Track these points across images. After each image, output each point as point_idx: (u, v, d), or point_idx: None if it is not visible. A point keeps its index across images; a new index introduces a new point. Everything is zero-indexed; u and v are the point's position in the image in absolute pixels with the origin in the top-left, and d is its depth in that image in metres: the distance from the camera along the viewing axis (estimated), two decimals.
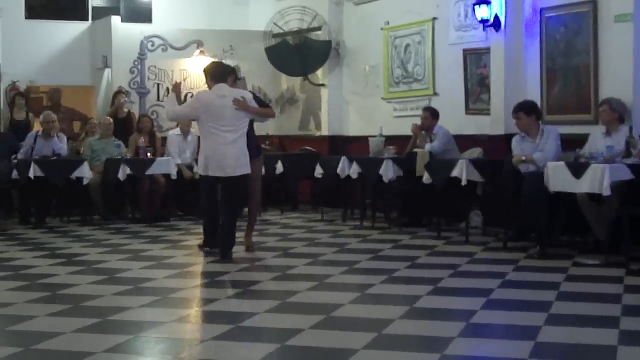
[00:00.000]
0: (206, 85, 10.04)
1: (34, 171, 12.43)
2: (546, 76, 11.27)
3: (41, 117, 13.52)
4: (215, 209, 9.77)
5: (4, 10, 15.98)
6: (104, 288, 7.79)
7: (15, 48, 15.78)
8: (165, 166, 13.10)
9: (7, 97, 15.38)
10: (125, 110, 14.68)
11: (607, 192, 8.51)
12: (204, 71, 9.94)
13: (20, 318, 6.58)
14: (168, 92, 15.36)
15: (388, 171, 11.53)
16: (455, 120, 12.39)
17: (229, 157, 9.44)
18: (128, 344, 5.83)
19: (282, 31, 15.54)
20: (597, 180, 8.58)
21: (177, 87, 10.20)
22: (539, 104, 10.70)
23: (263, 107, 10.18)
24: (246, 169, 9.60)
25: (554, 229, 9.51)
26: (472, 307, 6.75)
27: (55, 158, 12.93)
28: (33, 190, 12.90)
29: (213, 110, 9.47)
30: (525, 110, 9.98)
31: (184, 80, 15.73)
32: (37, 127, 13.84)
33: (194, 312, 6.91)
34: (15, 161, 13.00)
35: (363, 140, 13.06)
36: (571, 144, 9.84)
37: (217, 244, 9.72)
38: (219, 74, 9.76)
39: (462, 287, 7.69)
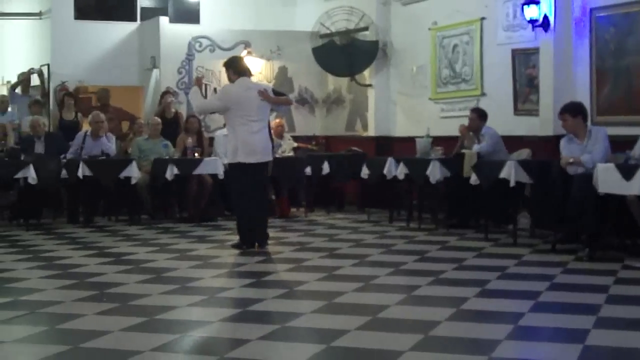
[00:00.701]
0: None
1: (82, 170, 12.54)
2: (596, 76, 11.18)
3: (90, 116, 13.64)
4: (251, 201, 10.06)
5: (53, 11, 16.18)
6: (151, 287, 7.83)
7: (65, 48, 15.97)
8: (212, 166, 13.16)
9: (56, 96, 15.54)
10: (173, 110, 14.76)
11: None
12: (227, 65, 10.40)
13: (68, 316, 6.63)
14: (216, 91, 15.45)
15: (435, 172, 11.48)
16: (504, 120, 12.32)
17: (257, 145, 10.07)
18: (174, 343, 5.85)
19: (329, 31, 15.54)
20: None
21: (198, 81, 10.79)
22: (588, 104, 10.60)
23: (280, 96, 10.78)
24: (271, 156, 10.44)
25: (603, 231, 9.40)
26: (520, 309, 6.70)
27: (103, 157, 13.04)
28: (81, 190, 13.03)
29: (241, 101, 10.02)
30: (571, 111, 9.86)
31: None
32: (86, 127, 13.97)
33: (240, 311, 6.90)
34: (64, 160, 13.13)
35: (410, 140, 13.01)
36: (621, 145, 9.72)
37: (254, 241, 10.11)
38: (242, 67, 10.32)
39: (509, 289, 7.63)
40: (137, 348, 5.61)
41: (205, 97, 15.40)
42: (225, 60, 10.67)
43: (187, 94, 15.40)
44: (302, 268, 8.95)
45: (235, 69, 10.24)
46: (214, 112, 11.67)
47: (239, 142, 10.00)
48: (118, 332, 6.08)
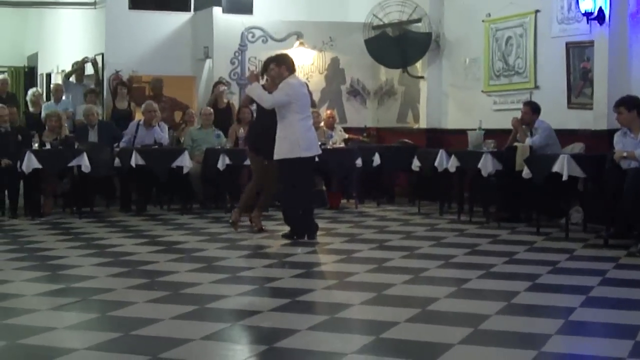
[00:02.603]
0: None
1: (135, 159, 12.63)
2: None
3: (143, 106, 13.76)
4: (305, 193, 10.42)
5: (107, 1, 16.30)
6: (201, 276, 7.89)
7: (119, 38, 16.09)
8: None
9: (110, 86, 15.67)
10: (225, 100, 14.83)
11: None
12: (279, 61, 10.47)
13: (120, 303, 6.70)
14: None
15: (487, 165, 11.43)
16: (557, 114, 12.21)
17: (313, 139, 10.44)
18: (224, 332, 5.89)
19: (381, 23, 15.50)
20: None
21: (256, 77, 10.77)
22: None
23: None
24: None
25: None
26: (571, 304, 6.66)
27: (156, 147, 13.14)
28: (134, 178, 13.14)
29: (301, 97, 10.33)
30: (627, 104, 9.80)
31: None
32: (139, 116, 14.08)
33: (290, 301, 6.93)
34: (117, 149, 13.26)
35: (461, 133, 12.97)
36: None
37: (304, 232, 10.28)
38: (293, 64, 10.54)
39: (560, 284, 7.59)
40: (187, 336, 5.66)
41: None
42: (273, 56, 10.73)
43: (240, 84, 15.50)
44: (352, 259, 8.95)
45: (289, 66, 10.38)
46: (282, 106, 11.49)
47: (299, 137, 10.14)
48: (169, 320, 6.14)
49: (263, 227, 10.94)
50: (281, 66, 10.35)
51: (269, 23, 15.99)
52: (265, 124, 10.46)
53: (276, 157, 10.21)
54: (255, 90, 10.42)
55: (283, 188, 10.43)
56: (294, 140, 10.13)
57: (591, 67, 11.83)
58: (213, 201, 13.71)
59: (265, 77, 10.71)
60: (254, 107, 14.20)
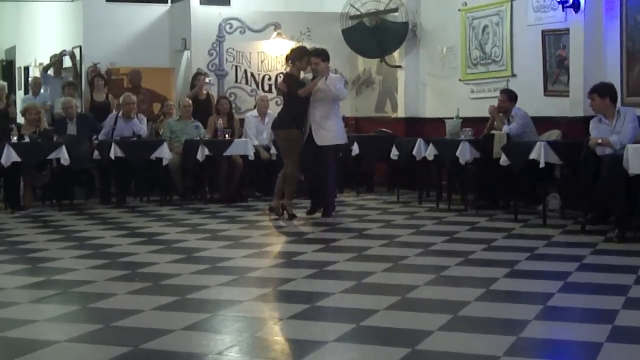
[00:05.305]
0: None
1: (114, 151, 12.62)
2: (626, 58, 11.10)
3: (121, 98, 13.74)
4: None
5: None
6: (182, 267, 7.90)
7: (96, 30, 16.05)
8: (243, 147, 13.21)
9: (88, 78, 15.64)
10: (205, 92, 14.82)
11: None
12: (326, 55, 11.41)
13: (100, 295, 6.71)
14: (246, 74, 15.63)
15: (464, 153, 11.47)
16: (534, 101, 12.28)
17: None
18: (206, 322, 5.91)
19: (358, 12, 15.52)
20: None
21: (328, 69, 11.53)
22: (618, 85, 10.54)
23: None
24: None
25: (633, 212, 9.37)
26: (549, 289, 6.72)
27: (135, 139, 13.13)
28: (113, 170, 13.13)
29: None
30: (600, 91, 9.85)
31: (261, 62, 15.88)
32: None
33: (271, 291, 6.96)
34: (96, 142, 13.24)
35: (439, 121, 13.02)
36: None
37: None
38: None
39: (538, 270, 7.64)
40: (168, 327, 5.68)
41: (236, 80, 15.68)
42: (318, 50, 11.51)
43: (218, 75, 15.55)
44: (332, 248, 8.98)
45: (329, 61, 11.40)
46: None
47: (342, 124, 11.67)
48: (149, 311, 6.15)
49: (295, 214, 11.30)
50: (326, 61, 11.29)
51: (246, 14, 15.98)
52: (295, 109, 11.23)
53: (331, 142, 11.21)
54: (337, 84, 11.28)
55: (327, 170, 11.16)
56: (342, 127, 11.61)
57: (567, 54, 11.89)
58: (193, 192, 13.71)
59: (290, 64, 11.58)
60: (232, 97, 14.28)
